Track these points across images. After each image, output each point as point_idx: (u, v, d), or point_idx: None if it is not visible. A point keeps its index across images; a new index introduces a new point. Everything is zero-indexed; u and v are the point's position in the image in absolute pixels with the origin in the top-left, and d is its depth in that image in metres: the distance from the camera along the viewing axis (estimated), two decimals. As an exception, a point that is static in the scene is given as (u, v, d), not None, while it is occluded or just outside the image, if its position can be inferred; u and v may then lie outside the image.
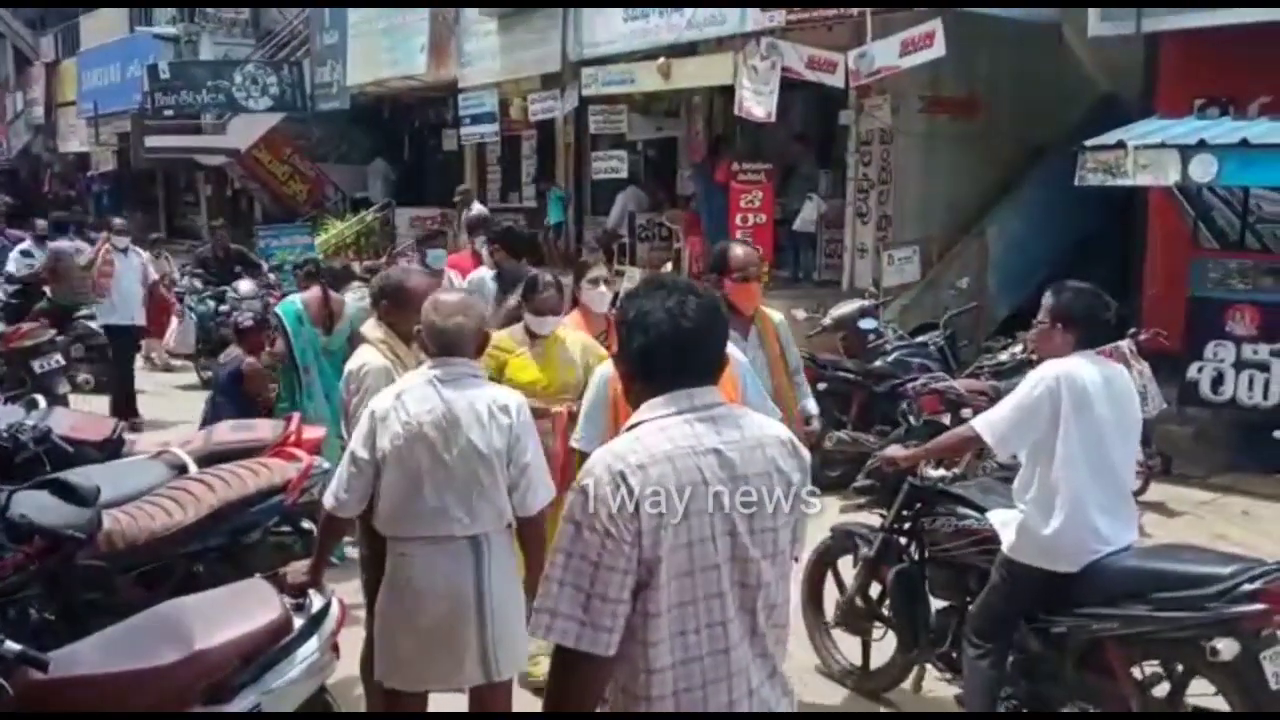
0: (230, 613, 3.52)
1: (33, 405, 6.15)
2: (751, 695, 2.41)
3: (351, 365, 4.52)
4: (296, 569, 4.00)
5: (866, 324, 9.03)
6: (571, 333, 5.36)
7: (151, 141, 20.23)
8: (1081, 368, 4.16)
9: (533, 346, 5.20)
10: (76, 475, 4.56)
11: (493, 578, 3.70)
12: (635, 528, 2.23)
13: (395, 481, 3.65)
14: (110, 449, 5.95)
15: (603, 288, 5.60)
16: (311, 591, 3.81)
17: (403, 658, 3.70)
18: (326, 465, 5.01)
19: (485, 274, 7.86)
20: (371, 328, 4.73)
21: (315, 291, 7.38)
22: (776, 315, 5.32)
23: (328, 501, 3.81)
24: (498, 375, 4.87)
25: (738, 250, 5.12)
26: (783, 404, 4.78)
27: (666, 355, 2.38)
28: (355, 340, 5.57)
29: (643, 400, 2.40)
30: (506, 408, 3.74)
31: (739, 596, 2.36)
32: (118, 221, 12.65)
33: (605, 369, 4.30)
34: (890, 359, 8.59)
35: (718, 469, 2.33)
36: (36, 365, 9.28)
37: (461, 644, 3.65)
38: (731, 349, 4.00)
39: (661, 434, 2.32)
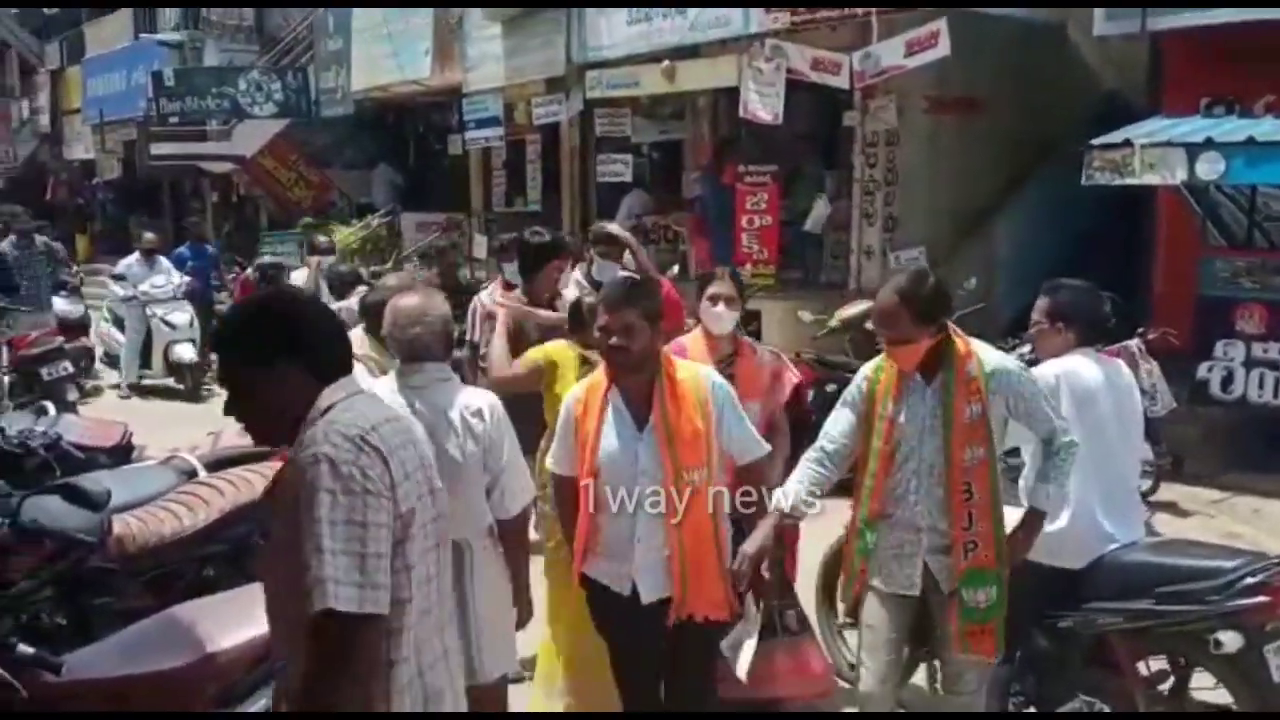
0: (241, 616, 3.52)
1: (42, 412, 6.19)
2: (446, 657, 2.52)
3: None
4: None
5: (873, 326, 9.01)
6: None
7: (157, 149, 20.25)
8: (1082, 366, 4.18)
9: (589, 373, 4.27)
10: (87, 480, 4.58)
11: (475, 582, 3.73)
12: (388, 480, 2.30)
13: None
14: (120, 454, 5.99)
15: (722, 307, 4.71)
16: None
17: None
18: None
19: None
20: (357, 342, 4.69)
21: None
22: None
23: None
24: (550, 377, 4.72)
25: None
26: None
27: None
28: None
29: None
30: (480, 411, 3.79)
31: (440, 553, 2.51)
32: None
33: (575, 391, 4.03)
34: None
35: (419, 431, 2.58)
36: (45, 372, 9.33)
37: None
38: (711, 372, 4.04)
39: (369, 404, 2.44)
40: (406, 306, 3.88)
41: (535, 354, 4.89)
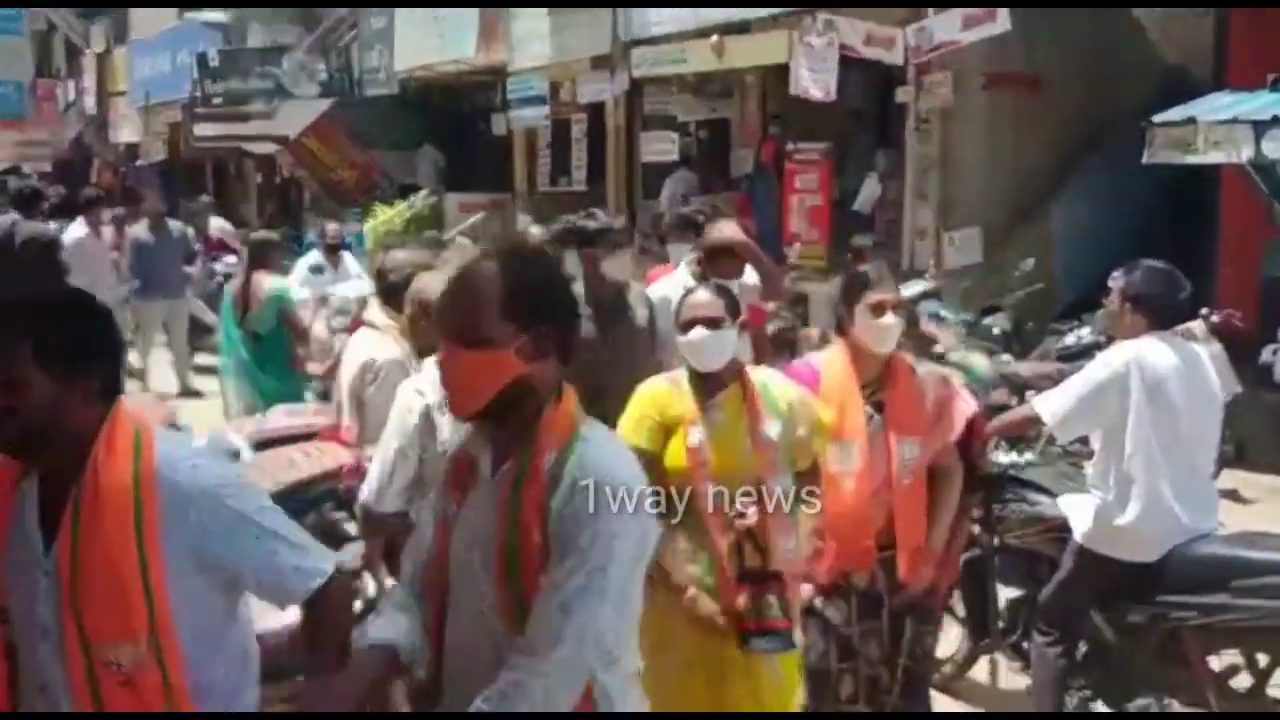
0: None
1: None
2: None
3: (363, 356, 4.41)
4: (352, 552, 3.96)
5: (929, 307, 8.86)
6: (777, 383, 3.65)
7: (200, 130, 20.38)
8: (1155, 351, 4.04)
9: (706, 410, 3.50)
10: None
11: None
12: None
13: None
14: (164, 433, 5.95)
15: (890, 317, 3.69)
16: (366, 575, 3.76)
17: None
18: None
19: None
20: (378, 314, 4.61)
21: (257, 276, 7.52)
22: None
23: (366, 497, 3.75)
24: (656, 455, 3.45)
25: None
26: None
27: None
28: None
29: None
30: None
31: None
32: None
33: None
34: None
35: None
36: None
37: None
38: None
39: None
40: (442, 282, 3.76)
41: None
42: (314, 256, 10.26)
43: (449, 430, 3.46)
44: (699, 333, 3.47)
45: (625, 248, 4.95)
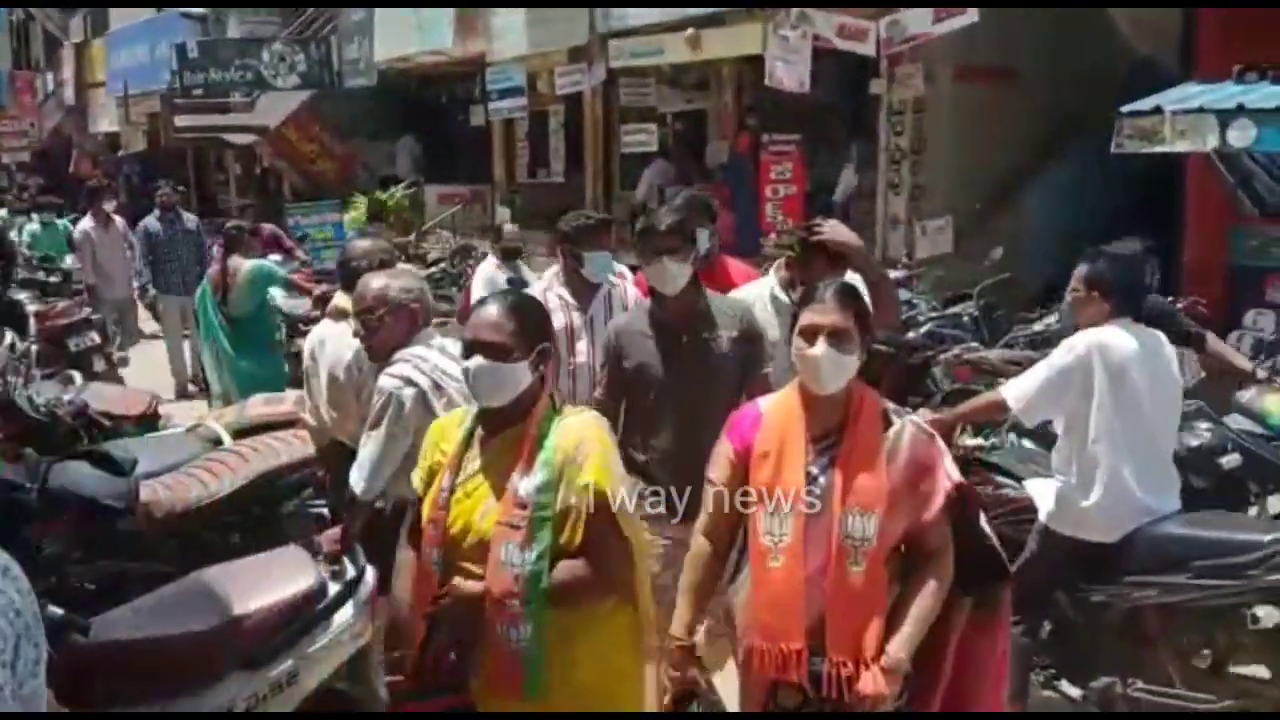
0: (266, 579, 3.55)
1: (69, 381, 6.22)
2: None
3: (351, 343, 4.39)
4: (330, 537, 4.02)
5: (899, 295, 8.96)
6: (573, 425, 2.90)
7: (181, 121, 20.29)
8: (1118, 337, 4.10)
9: (481, 452, 2.92)
10: (114, 447, 4.61)
11: None
12: None
13: None
14: (146, 423, 6.02)
15: (823, 346, 2.88)
16: (346, 559, 3.82)
17: None
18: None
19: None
20: (350, 302, 4.56)
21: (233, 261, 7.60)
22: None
23: (356, 486, 3.82)
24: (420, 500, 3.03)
25: None
26: None
27: None
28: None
29: None
30: None
31: None
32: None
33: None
34: (923, 330, 8.52)
35: None
36: (72, 343, 9.36)
37: None
38: None
39: None
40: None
41: None
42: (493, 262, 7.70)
43: (441, 412, 3.53)
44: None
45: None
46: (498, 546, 2.73)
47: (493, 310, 2.89)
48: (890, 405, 3.04)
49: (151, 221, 10.76)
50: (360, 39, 17.86)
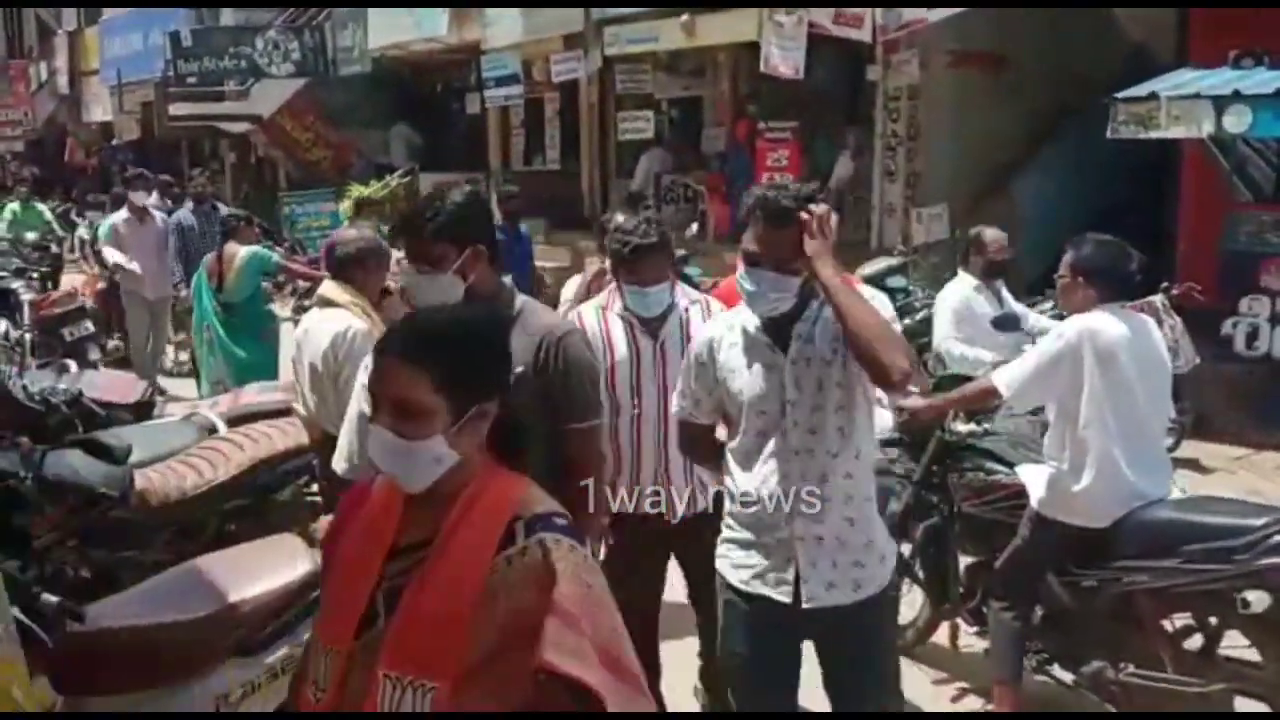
0: (262, 567, 3.55)
1: (64, 369, 6.22)
2: None
3: (335, 329, 4.43)
4: (325, 525, 4.02)
5: (895, 282, 8.97)
6: None
7: (175, 110, 20.21)
8: (1106, 323, 4.09)
9: None
10: (108, 435, 4.61)
11: None
12: None
13: None
14: (141, 411, 6.02)
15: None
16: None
17: None
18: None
19: None
20: (337, 291, 4.65)
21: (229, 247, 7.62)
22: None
23: (339, 466, 3.82)
24: None
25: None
26: None
27: None
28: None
29: None
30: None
31: None
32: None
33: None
34: (918, 317, 8.53)
35: None
36: (67, 333, 9.36)
37: None
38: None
39: None
40: None
41: None
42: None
43: None
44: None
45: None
46: None
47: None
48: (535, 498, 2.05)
49: (185, 214, 9.96)
50: (355, 26, 17.80)
